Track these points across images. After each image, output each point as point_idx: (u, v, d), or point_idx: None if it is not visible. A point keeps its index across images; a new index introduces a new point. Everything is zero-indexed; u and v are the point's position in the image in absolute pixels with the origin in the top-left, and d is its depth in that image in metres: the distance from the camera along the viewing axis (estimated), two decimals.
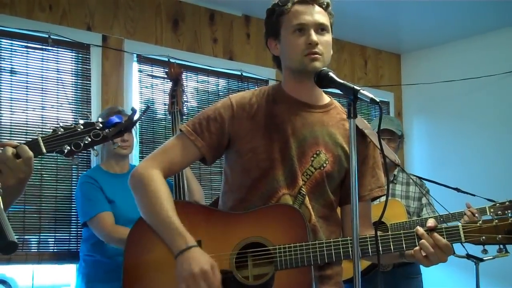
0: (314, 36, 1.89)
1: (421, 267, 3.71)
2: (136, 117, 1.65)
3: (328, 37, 1.94)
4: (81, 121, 1.60)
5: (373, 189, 2.02)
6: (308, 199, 1.93)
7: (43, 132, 1.60)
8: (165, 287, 1.88)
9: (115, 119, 1.62)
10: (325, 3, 1.95)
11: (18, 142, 1.56)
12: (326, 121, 1.99)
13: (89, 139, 1.58)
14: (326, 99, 2.06)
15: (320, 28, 1.92)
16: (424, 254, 1.81)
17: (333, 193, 1.99)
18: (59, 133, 1.58)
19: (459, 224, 1.84)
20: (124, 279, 1.94)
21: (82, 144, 1.59)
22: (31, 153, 1.53)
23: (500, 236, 1.81)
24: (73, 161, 1.62)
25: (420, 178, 3.76)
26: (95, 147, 1.62)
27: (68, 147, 1.58)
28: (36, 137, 1.57)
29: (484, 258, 3.40)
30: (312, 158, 1.94)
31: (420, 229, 1.83)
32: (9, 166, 1.50)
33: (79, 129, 1.59)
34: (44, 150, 1.56)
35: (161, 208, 1.88)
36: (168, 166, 1.96)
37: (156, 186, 1.91)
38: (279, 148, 1.93)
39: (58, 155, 1.58)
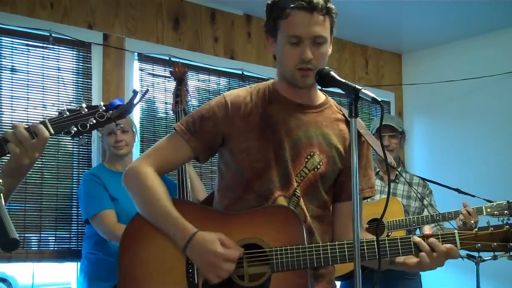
0: (309, 53, 1.83)
1: None
2: (136, 99, 1.67)
3: (324, 49, 1.87)
4: (84, 104, 1.66)
5: (364, 189, 2.00)
6: (302, 201, 1.92)
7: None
8: (165, 283, 1.87)
9: (116, 101, 1.67)
10: (325, 9, 1.84)
11: (26, 124, 1.60)
12: (320, 121, 1.97)
13: (94, 120, 1.64)
14: (322, 97, 2.03)
15: (317, 41, 1.85)
16: (427, 261, 1.80)
17: (326, 193, 1.98)
18: (65, 115, 1.63)
19: (455, 231, 1.85)
20: (120, 277, 1.92)
21: (88, 125, 1.64)
22: (47, 133, 1.58)
23: (495, 243, 1.82)
24: (80, 140, 1.68)
25: (423, 179, 3.75)
26: (99, 128, 1.67)
27: (75, 128, 1.63)
28: (43, 119, 1.62)
29: (485, 258, 3.41)
30: (306, 160, 1.93)
31: (416, 238, 1.82)
32: (25, 146, 1.55)
33: (83, 112, 1.64)
34: (52, 131, 1.61)
35: (159, 201, 1.88)
36: (161, 164, 1.95)
37: (153, 181, 1.91)
38: (273, 149, 1.92)
39: (65, 138, 1.62)
